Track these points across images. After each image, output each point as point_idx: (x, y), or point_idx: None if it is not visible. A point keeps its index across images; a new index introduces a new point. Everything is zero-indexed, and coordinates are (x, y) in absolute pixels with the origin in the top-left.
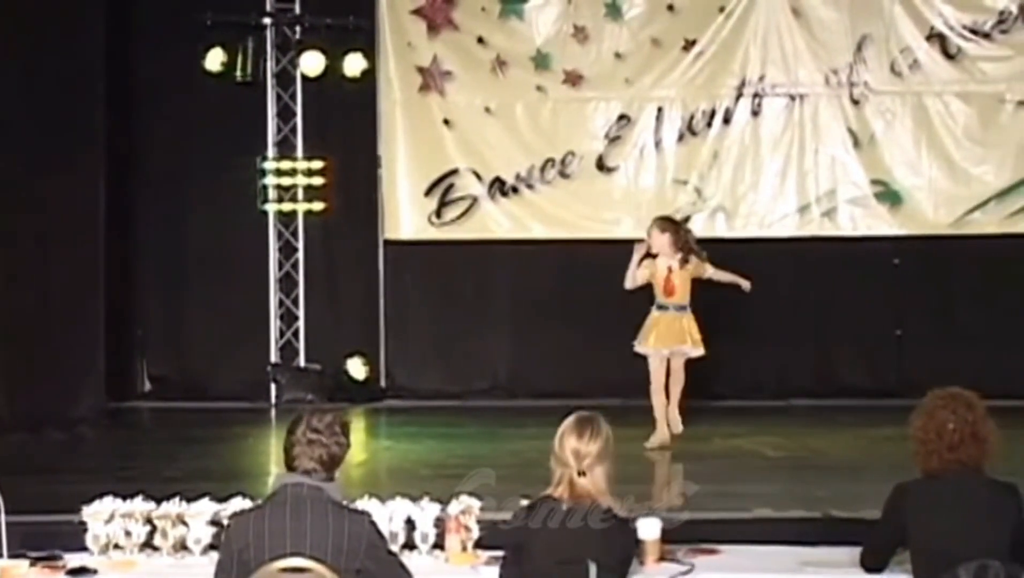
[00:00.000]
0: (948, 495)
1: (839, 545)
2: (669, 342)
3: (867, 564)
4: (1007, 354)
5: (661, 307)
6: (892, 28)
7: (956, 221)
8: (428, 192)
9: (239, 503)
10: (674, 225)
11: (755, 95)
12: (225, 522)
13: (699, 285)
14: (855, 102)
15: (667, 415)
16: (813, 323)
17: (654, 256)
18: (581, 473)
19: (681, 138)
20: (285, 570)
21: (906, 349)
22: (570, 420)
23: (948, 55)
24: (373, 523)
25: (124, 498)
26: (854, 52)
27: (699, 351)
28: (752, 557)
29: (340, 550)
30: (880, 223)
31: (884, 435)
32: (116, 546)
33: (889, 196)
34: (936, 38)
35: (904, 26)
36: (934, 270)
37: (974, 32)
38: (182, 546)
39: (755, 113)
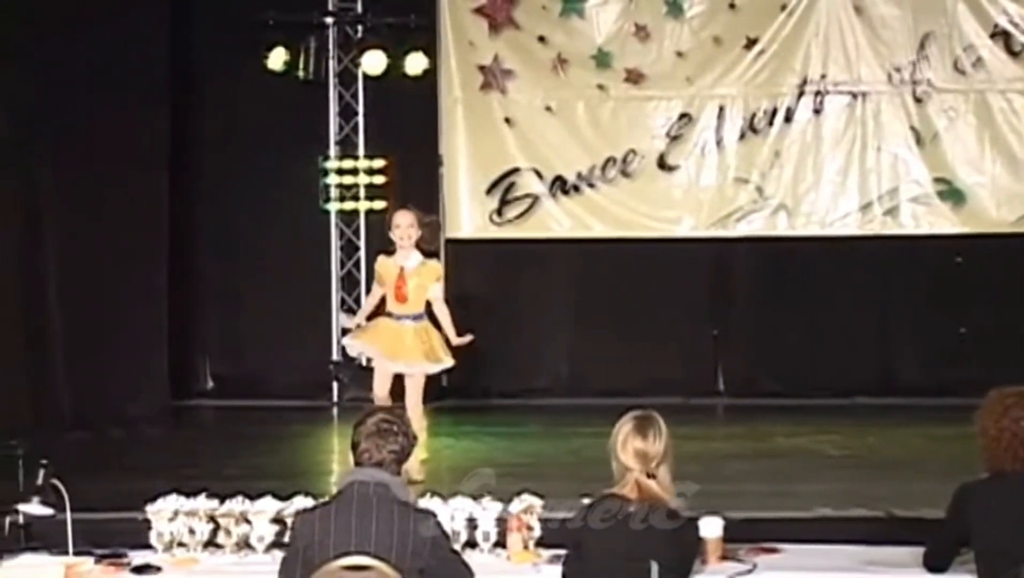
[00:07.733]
0: (1013, 495)
1: (901, 545)
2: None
3: (930, 564)
4: None
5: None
6: (955, 26)
7: (1019, 219)
8: (489, 190)
9: (301, 501)
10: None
11: (817, 93)
12: (287, 520)
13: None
14: (918, 100)
15: None
16: (875, 321)
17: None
18: (650, 475)
19: (742, 136)
20: (348, 568)
21: (969, 348)
22: (629, 421)
23: (1012, 52)
24: (439, 523)
25: (187, 496)
26: (917, 50)
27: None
28: (814, 556)
29: (405, 549)
30: (942, 221)
31: (945, 434)
32: (180, 544)
33: (952, 194)
34: (1000, 35)
35: (967, 23)
36: (997, 268)
37: None
38: (245, 544)
39: (817, 111)
